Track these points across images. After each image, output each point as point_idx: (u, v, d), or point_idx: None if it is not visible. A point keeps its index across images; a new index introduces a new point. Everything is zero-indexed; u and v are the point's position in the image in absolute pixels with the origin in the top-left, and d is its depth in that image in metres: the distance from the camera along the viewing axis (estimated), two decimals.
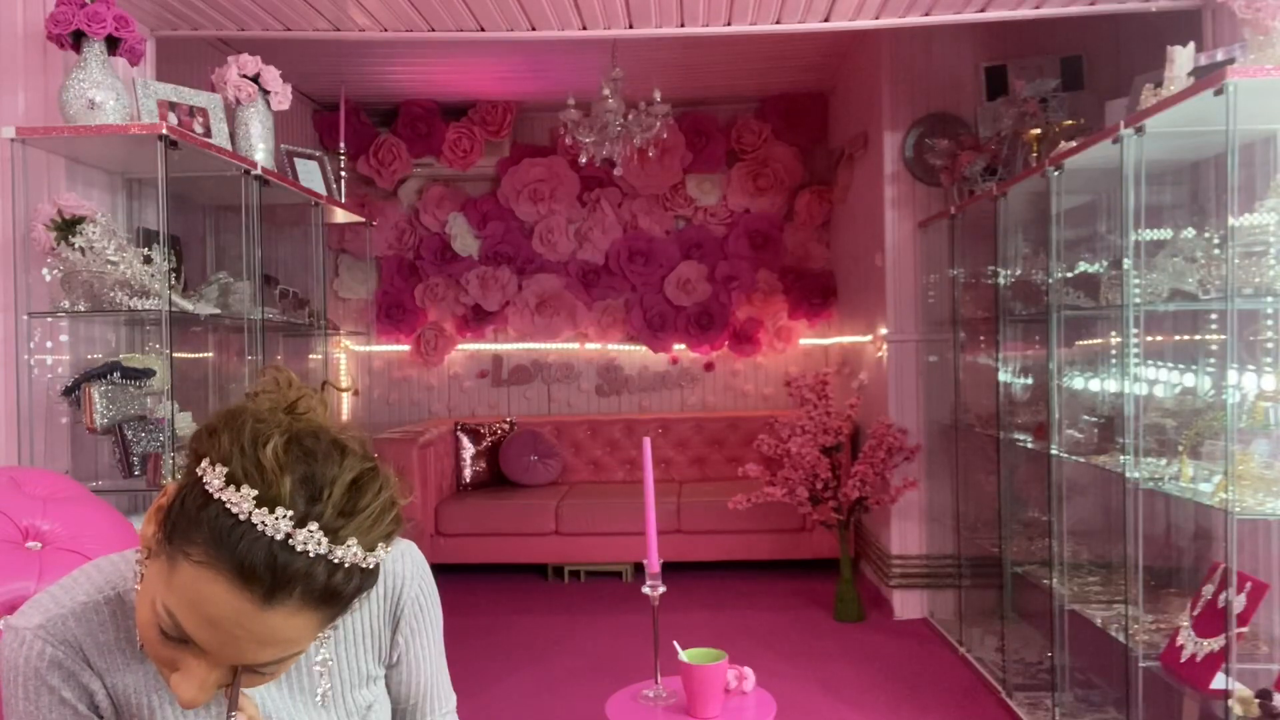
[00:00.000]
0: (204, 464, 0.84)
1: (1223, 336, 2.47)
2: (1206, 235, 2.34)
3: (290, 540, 0.81)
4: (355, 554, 0.84)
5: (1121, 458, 2.55)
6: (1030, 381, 3.54)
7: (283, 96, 3.12)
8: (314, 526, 0.82)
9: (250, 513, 0.81)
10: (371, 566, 0.87)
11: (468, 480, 5.56)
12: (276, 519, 0.81)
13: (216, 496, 0.82)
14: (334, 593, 0.85)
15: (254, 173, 2.91)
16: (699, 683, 1.91)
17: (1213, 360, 2.67)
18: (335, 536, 0.83)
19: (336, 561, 0.83)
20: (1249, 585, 2.17)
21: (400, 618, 1.11)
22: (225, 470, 0.83)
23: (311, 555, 0.82)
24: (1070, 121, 3.21)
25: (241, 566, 0.80)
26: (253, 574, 0.81)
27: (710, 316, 5.93)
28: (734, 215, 5.95)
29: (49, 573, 1.39)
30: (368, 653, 1.10)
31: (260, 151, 3.05)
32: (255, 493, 0.81)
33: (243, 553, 0.80)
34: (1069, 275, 2.97)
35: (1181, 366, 2.83)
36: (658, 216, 5.97)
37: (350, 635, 1.09)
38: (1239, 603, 2.14)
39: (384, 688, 1.14)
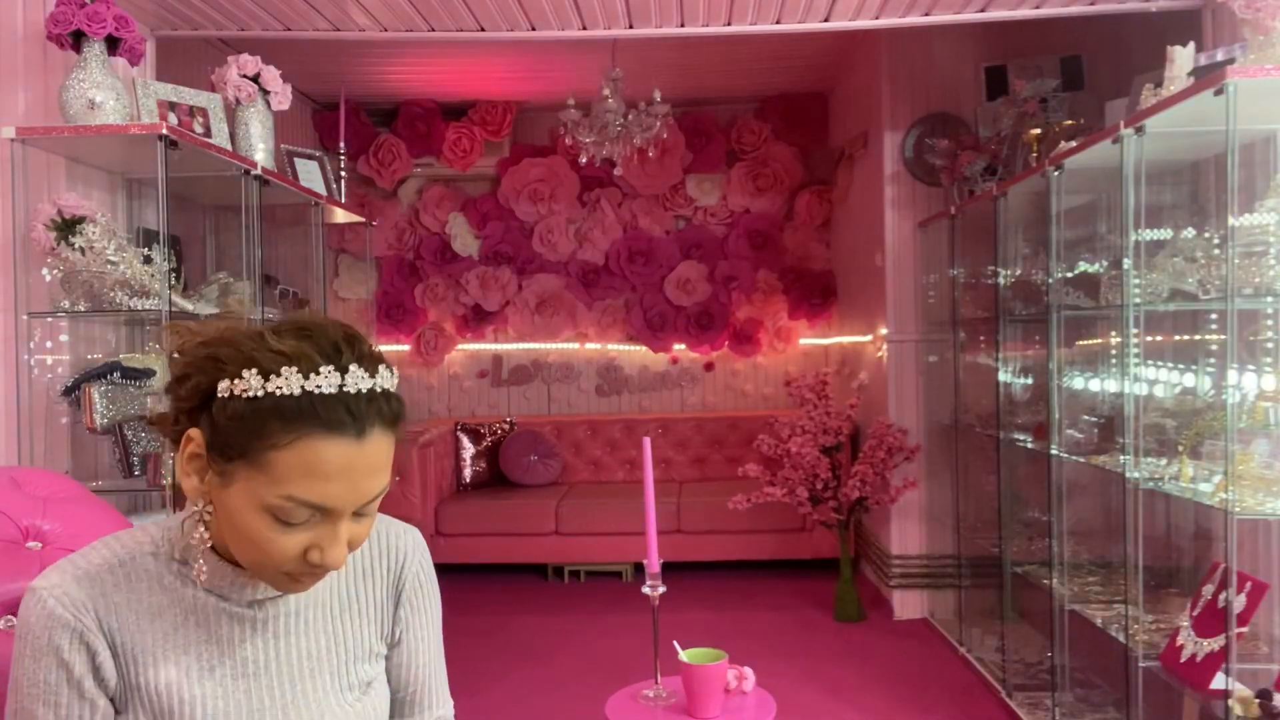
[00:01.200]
0: (226, 384, 0.94)
1: (1223, 336, 2.47)
2: (1206, 235, 2.34)
3: (344, 387, 0.94)
4: (389, 379, 0.98)
5: (1121, 458, 2.55)
6: (1030, 381, 3.54)
7: (283, 96, 3.12)
8: (353, 368, 0.95)
9: (303, 384, 0.93)
10: (397, 389, 1.00)
11: (468, 480, 5.56)
12: (324, 377, 0.93)
13: (263, 392, 0.92)
14: (395, 414, 0.98)
15: (254, 173, 2.91)
16: (699, 683, 1.91)
17: (1213, 360, 2.67)
18: (371, 370, 0.96)
19: (381, 389, 0.97)
20: (1249, 585, 2.17)
21: (403, 592, 1.16)
22: (255, 370, 0.93)
23: (364, 390, 0.95)
24: (1070, 121, 3.21)
25: (329, 423, 0.93)
26: (340, 424, 0.93)
27: (710, 316, 5.93)
28: (734, 215, 5.95)
29: None
30: (371, 624, 1.13)
31: (260, 151, 3.05)
32: (295, 368, 0.93)
33: (322, 414, 0.93)
34: (1069, 275, 2.97)
35: (1181, 366, 2.83)
36: (658, 216, 5.97)
37: (355, 606, 1.12)
38: (1239, 603, 2.14)
39: (384, 670, 1.16)
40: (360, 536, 1.01)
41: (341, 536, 0.97)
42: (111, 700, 1.00)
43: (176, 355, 1.00)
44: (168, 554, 1.03)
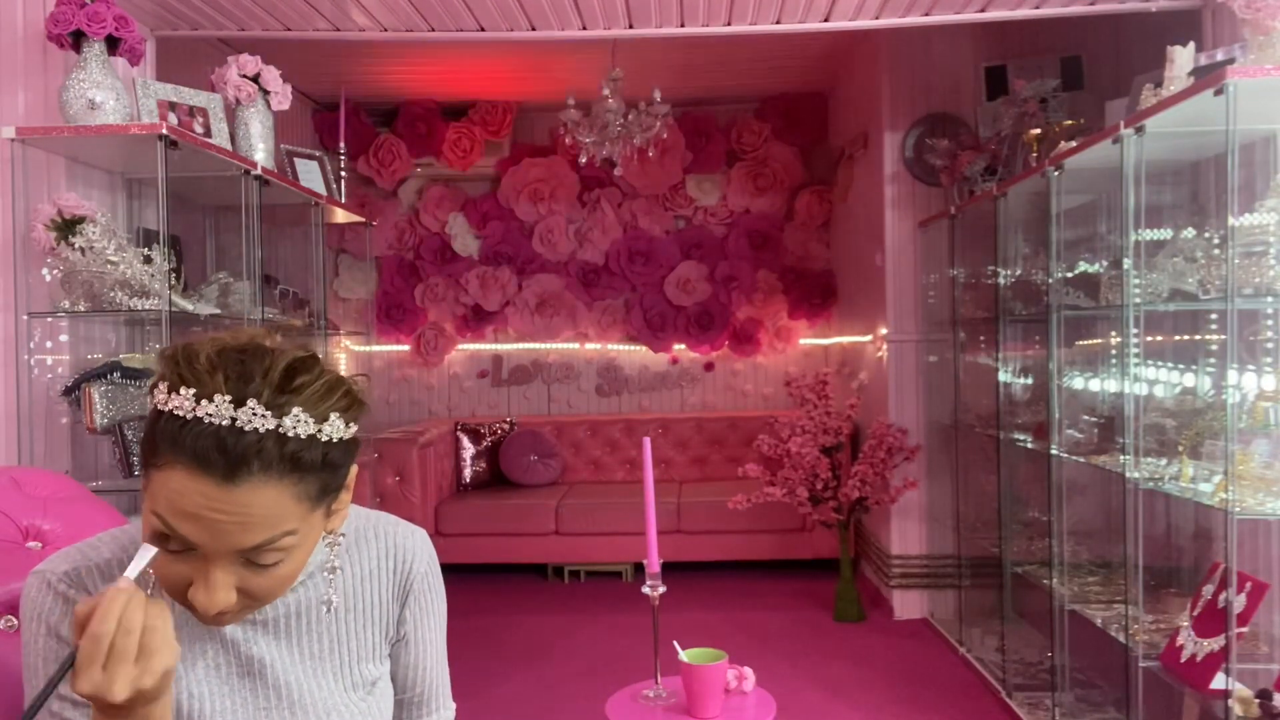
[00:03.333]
0: (154, 390, 0.91)
1: (1223, 336, 2.47)
2: (1206, 235, 2.34)
3: (235, 421, 0.86)
4: (304, 423, 0.89)
5: (1121, 458, 2.55)
6: (1030, 381, 3.54)
7: (283, 96, 3.12)
8: (253, 403, 0.87)
9: (193, 409, 0.87)
10: (334, 438, 0.92)
11: (468, 480, 5.56)
12: (217, 406, 0.86)
13: (164, 409, 0.88)
14: (295, 461, 0.89)
15: (254, 173, 2.91)
16: (699, 683, 1.91)
17: (1213, 360, 2.67)
18: (279, 410, 0.88)
19: (286, 433, 0.88)
20: (1249, 585, 2.17)
21: (409, 593, 1.14)
22: (165, 384, 0.89)
23: (260, 430, 0.87)
24: (1070, 121, 3.21)
25: (196, 455, 0.86)
26: (206, 459, 0.86)
27: (710, 316, 5.93)
28: (734, 215, 5.95)
29: None
30: (375, 625, 1.12)
31: (260, 151, 3.05)
32: (194, 390, 0.87)
33: (193, 443, 0.86)
34: (1069, 275, 2.97)
35: (1181, 366, 2.83)
36: (658, 216, 5.97)
37: (360, 606, 1.12)
38: (1239, 603, 2.14)
39: (389, 670, 1.16)
40: (259, 589, 0.93)
41: (215, 582, 0.90)
42: None
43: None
44: None
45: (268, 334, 0.97)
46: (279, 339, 0.97)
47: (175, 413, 0.87)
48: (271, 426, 0.87)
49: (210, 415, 0.86)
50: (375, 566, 1.13)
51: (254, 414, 0.87)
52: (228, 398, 0.87)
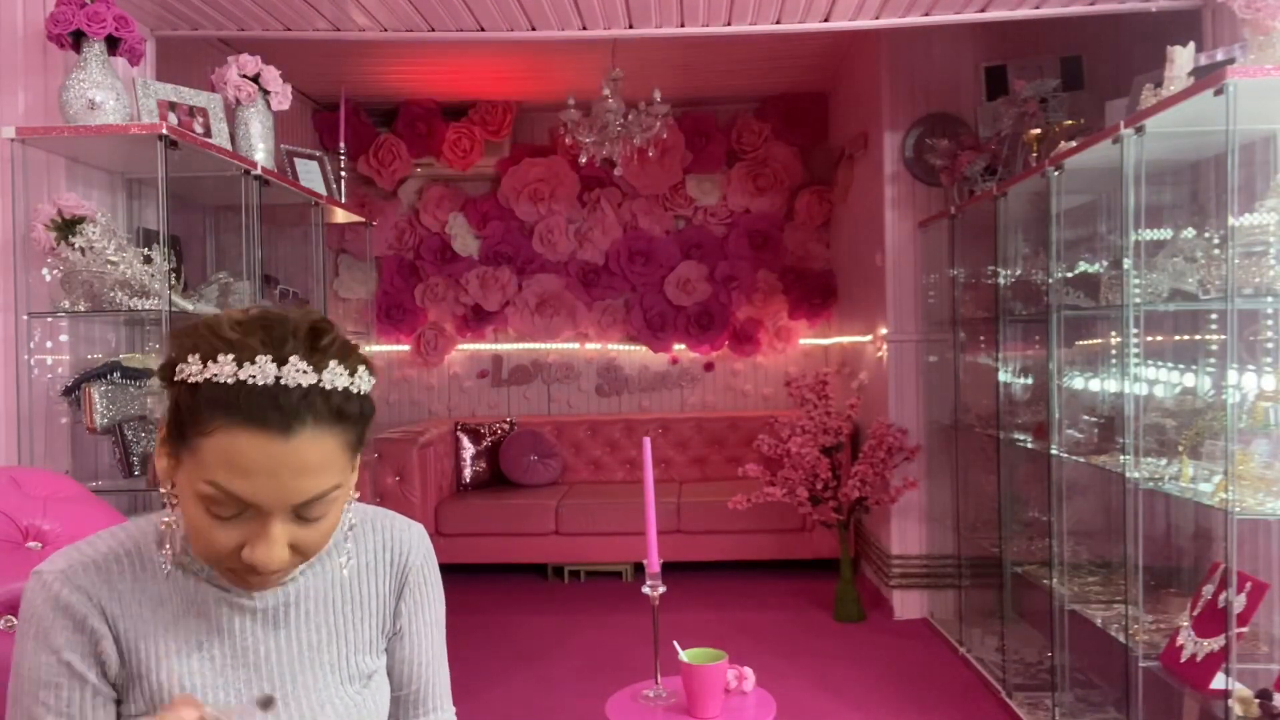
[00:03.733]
0: (178, 369, 0.93)
1: (1223, 336, 2.47)
2: (1206, 235, 2.34)
3: (281, 380, 0.90)
4: (341, 376, 0.94)
5: (1121, 458, 2.55)
6: (1030, 381, 3.54)
7: (283, 96, 3.12)
8: (295, 359, 0.91)
9: (235, 373, 0.90)
10: (363, 390, 0.97)
11: (468, 480, 5.56)
12: (260, 367, 0.90)
13: (202, 379, 0.91)
14: (339, 412, 0.94)
15: (254, 173, 2.91)
16: (699, 683, 1.91)
17: (1213, 360, 2.67)
18: (317, 366, 0.92)
19: (326, 386, 0.93)
20: (1249, 585, 2.17)
21: (405, 585, 1.15)
22: (198, 355, 0.91)
23: (305, 385, 0.91)
24: (1070, 121, 3.21)
25: (252, 415, 0.90)
26: (264, 417, 0.90)
27: (710, 316, 5.93)
28: (734, 215, 5.95)
29: None
30: (372, 617, 1.13)
31: (260, 151, 3.05)
32: (232, 356, 0.90)
33: (247, 404, 0.90)
34: (1069, 275, 2.97)
35: (1181, 366, 2.83)
36: (658, 216, 5.97)
37: (356, 599, 1.12)
38: (1239, 603, 2.14)
39: (385, 665, 1.16)
40: (308, 542, 0.97)
41: (274, 537, 0.94)
42: (113, 686, 1.01)
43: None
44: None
45: (268, 306, 1.01)
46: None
47: (215, 380, 0.90)
48: (314, 381, 0.92)
49: (254, 376, 0.90)
50: (372, 558, 1.14)
51: (297, 370, 0.91)
52: (269, 357, 0.90)
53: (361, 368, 0.97)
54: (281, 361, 0.91)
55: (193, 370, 0.91)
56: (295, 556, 0.97)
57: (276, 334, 0.93)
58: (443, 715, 1.21)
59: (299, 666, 1.07)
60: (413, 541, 1.17)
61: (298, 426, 0.91)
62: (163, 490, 1.00)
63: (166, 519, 1.01)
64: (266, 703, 1.03)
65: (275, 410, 0.90)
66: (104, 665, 1.00)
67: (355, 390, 0.95)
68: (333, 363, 0.93)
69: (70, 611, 0.98)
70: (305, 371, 0.91)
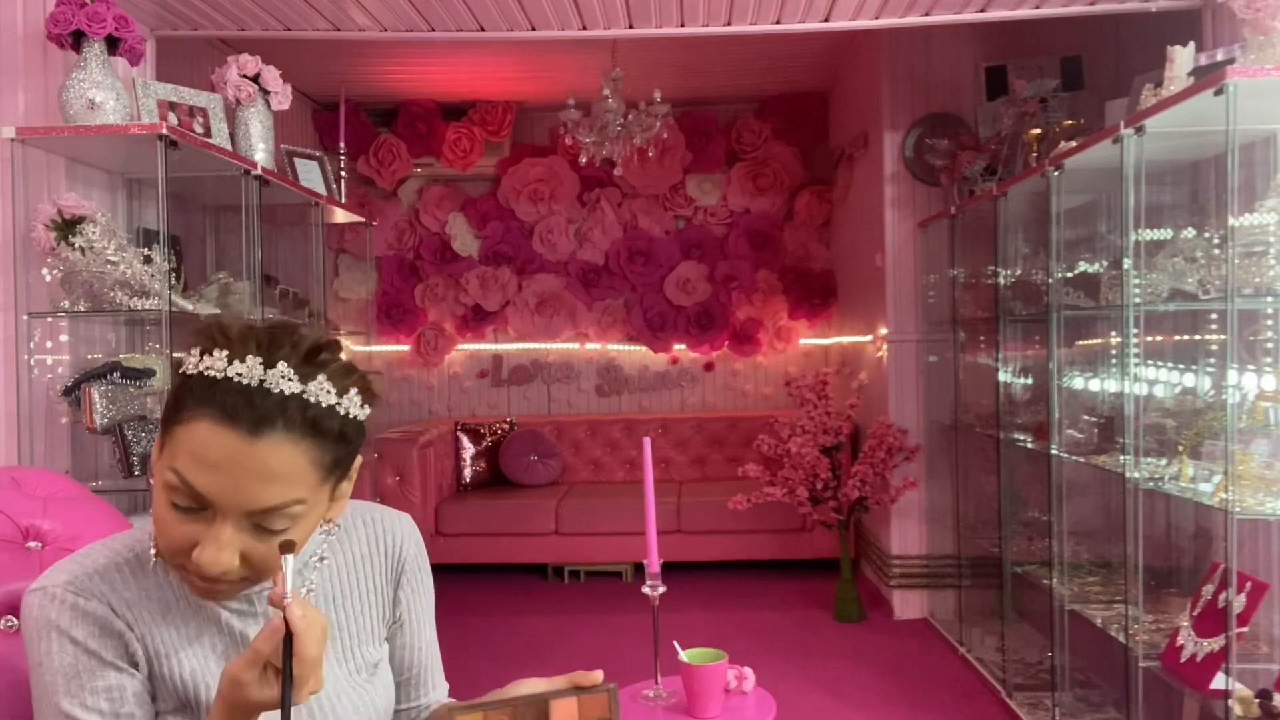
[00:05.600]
0: (183, 361, 0.96)
1: (1223, 336, 2.47)
2: (1206, 235, 2.34)
3: (265, 383, 0.91)
4: (326, 392, 0.94)
5: (1121, 458, 2.55)
6: (1030, 381, 3.54)
7: (283, 96, 3.12)
8: (283, 366, 0.92)
9: (224, 368, 0.92)
10: (351, 412, 0.96)
11: (468, 480, 5.56)
12: (248, 367, 0.92)
13: (195, 371, 0.93)
14: (315, 426, 0.93)
15: (254, 173, 2.91)
16: (699, 683, 1.91)
17: (1213, 360, 2.67)
18: (305, 377, 0.93)
19: (309, 399, 0.93)
20: (1249, 585, 2.17)
21: (402, 574, 1.19)
22: (198, 349, 0.94)
23: (286, 393, 0.92)
24: (1070, 121, 3.21)
25: (224, 408, 0.91)
26: (235, 412, 0.90)
27: (710, 316, 5.93)
28: (734, 215, 5.95)
29: None
30: (373, 609, 1.16)
31: (260, 151, 3.05)
32: (226, 352, 0.92)
33: (223, 398, 0.91)
34: (1069, 275, 2.97)
35: (1181, 366, 2.83)
36: (658, 216, 5.97)
37: (356, 592, 1.14)
38: (1239, 603, 2.14)
39: (388, 653, 1.19)
40: (262, 557, 0.95)
41: (223, 540, 0.92)
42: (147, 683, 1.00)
43: None
44: None
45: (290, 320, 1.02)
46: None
47: (206, 373, 0.92)
48: (297, 390, 0.92)
49: (240, 375, 0.91)
50: (367, 551, 1.16)
51: (282, 376, 0.92)
52: (259, 359, 0.92)
53: (354, 391, 0.97)
54: (270, 365, 0.92)
55: (191, 362, 0.94)
56: (245, 569, 0.95)
57: (277, 342, 0.94)
58: (439, 691, 1.26)
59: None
60: (405, 531, 1.20)
61: (267, 430, 0.91)
62: (151, 481, 1.01)
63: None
64: None
65: (249, 409, 0.90)
66: (134, 661, 0.99)
67: (341, 410, 0.95)
68: (321, 376, 0.94)
69: (92, 618, 0.97)
70: (290, 379, 0.92)
